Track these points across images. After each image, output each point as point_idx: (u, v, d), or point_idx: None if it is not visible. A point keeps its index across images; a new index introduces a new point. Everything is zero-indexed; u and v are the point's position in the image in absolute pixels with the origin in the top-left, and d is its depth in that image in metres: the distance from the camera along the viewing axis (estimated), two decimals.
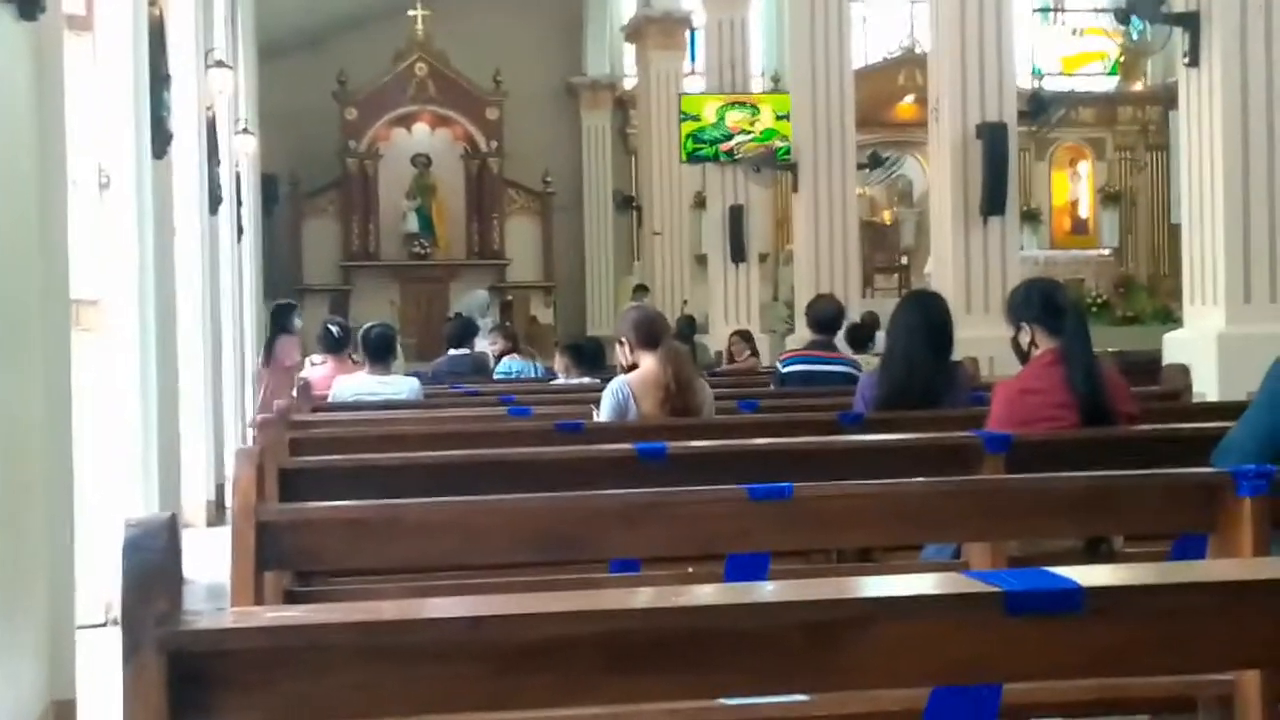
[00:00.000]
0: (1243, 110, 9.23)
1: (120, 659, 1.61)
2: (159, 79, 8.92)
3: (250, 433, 13.06)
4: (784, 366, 9.78)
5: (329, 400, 9.17)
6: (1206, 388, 8.68)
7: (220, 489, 11.68)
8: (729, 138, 18.46)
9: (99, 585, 6.45)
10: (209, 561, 7.74)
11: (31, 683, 5.09)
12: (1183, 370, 8.42)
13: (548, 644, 1.73)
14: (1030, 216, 22.72)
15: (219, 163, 13.33)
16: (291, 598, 3.62)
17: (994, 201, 12.98)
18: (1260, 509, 3.17)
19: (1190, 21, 9.37)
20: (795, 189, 17.28)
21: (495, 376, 11.89)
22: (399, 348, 11.05)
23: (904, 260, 24.24)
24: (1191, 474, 3.53)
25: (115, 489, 7.74)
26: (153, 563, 1.61)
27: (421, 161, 26.43)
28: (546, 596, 1.95)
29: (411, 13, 25.81)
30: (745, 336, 15.69)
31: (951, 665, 1.88)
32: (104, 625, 6.54)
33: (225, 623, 1.76)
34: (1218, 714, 3.00)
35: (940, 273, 13.65)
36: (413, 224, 26.35)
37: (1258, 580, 2.10)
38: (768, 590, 2.10)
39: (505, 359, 12.81)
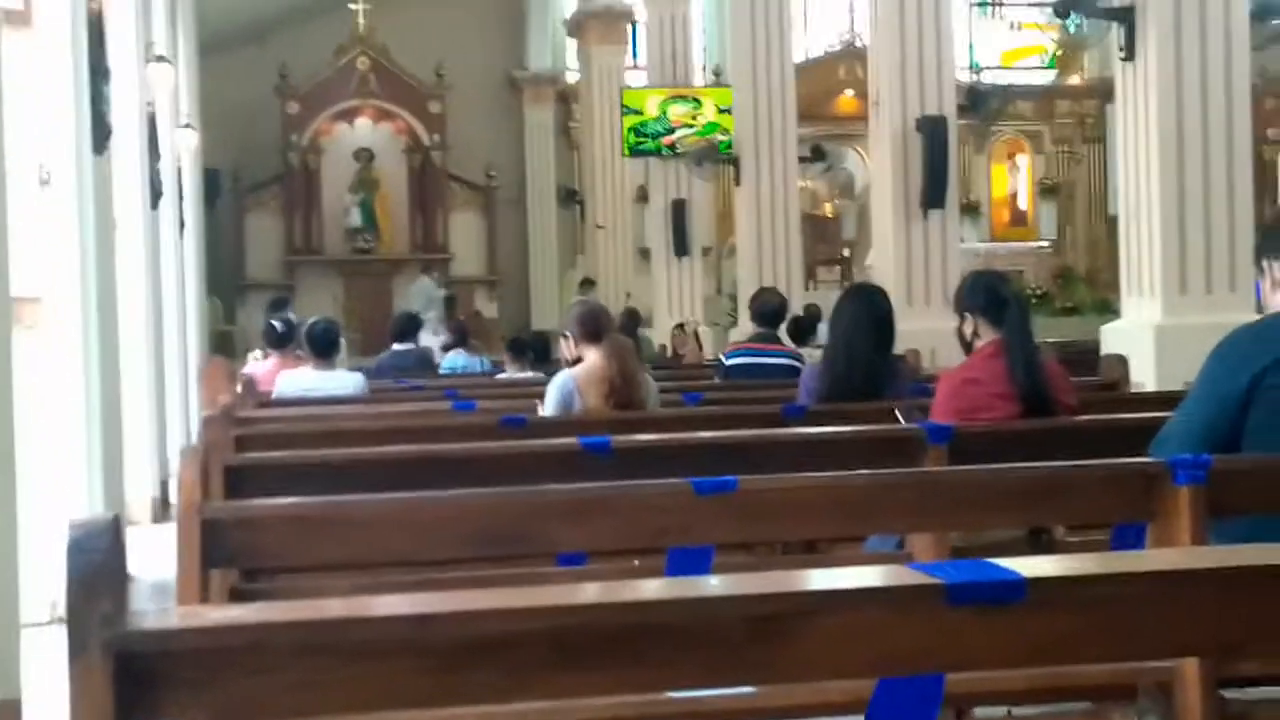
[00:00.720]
0: (1177, 104, 9.30)
1: (66, 658, 1.60)
2: (99, 74, 8.87)
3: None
4: (728, 359, 9.82)
5: (273, 396, 9.14)
6: (1144, 378, 8.77)
7: (165, 485, 11.63)
8: (671, 131, 18.46)
9: (44, 583, 6.41)
10: (154, 558, 7.68)
11: None
12: (1121, 361, 8.49)
13: (493, 640, 1.73)
14: (970, 209, 22.84)
15: (160, 157, 13.28)
16: (238, 595, 3.61)
17: (934, 194, 13.06)
18: (1197, 498, 3.20)
19: (1126, 16, 9.42)
20: (738, 182, 17.35)
21: (441, 371, 11.88)
22: (343, 343, 11.02)
23: (846, 253, 24.31)
24: (1130, 464, 3.56)
25: (59, 486, 7.70)
26: (97, 563, 1.60)
27: (364, 156, 26.37)
28: (492, 593, 1.95)
29: (353, 6, 25.79)
30: (687, 330, 15.77)
31: (895, 656, 1.88)
32: (49, 624, 6.50)
33: (171, 623, 1.75)
34: (1158, 701, 3.03)
35: (881, 265, 13.73)
36: (356, 219, 26.29)
37: (1196, 569, 2.12)
38: (712, 584, 2.11)
39: (451, 354, 12.81)
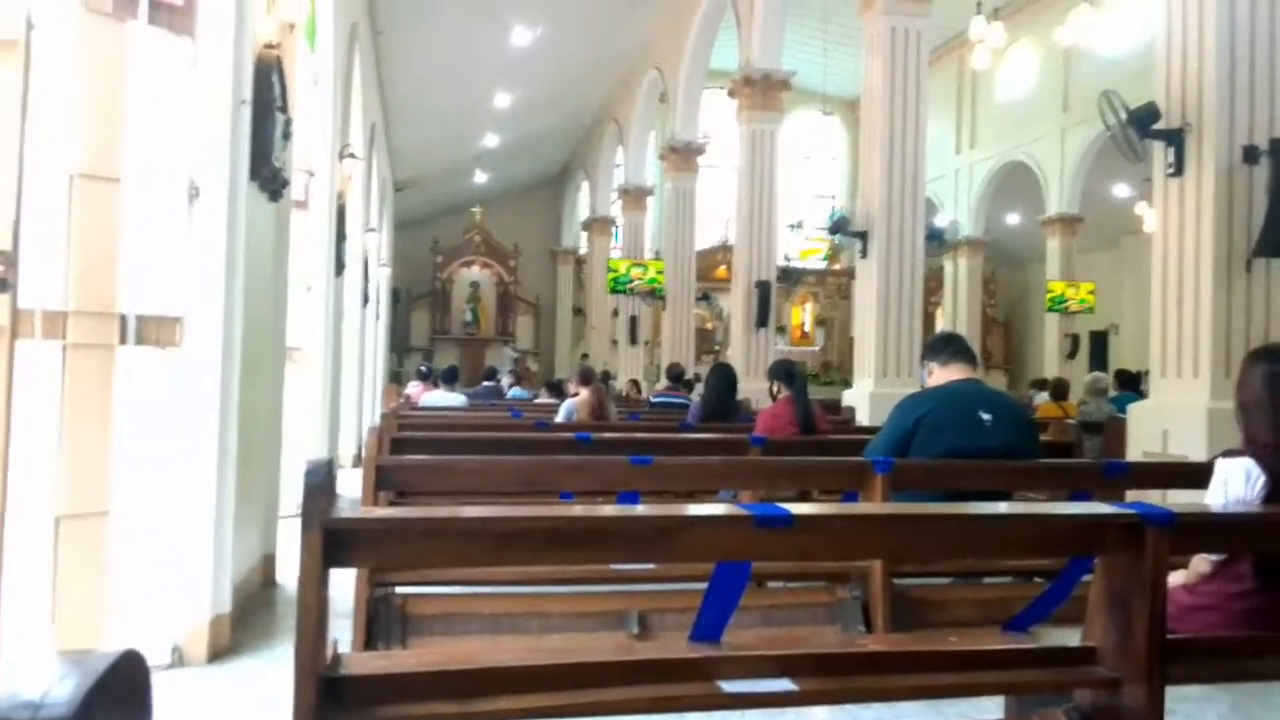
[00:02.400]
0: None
1: (300, 532, 1.59)
2: (340, 236, 8.87)
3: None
4: (654, 398, 9.83)
5: (420, 404, 9.09)
6: (864, 418, 8.79)
7: (360, 448, 11.53)
8: (631, 281, 18.50)
9: (293, 495, 6.33)
10: (352, 486, 7.61)
11: (256, 543, 5.00)
12: (851, 409, 8.54)
13: (522, 532, 1.72)
14: (781, 329, 22.94)
15: (369, 280, 13.25)
16: (392, 505, 3.58)
17: (762, 320, 13.14)
18: (885, 480, 3.22)
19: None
20: (664, 309, 17.40)
21: (508, 397, 11.82)
22: (459, 379, 10.99)
23: (717, 347, 24.31)
24: (853, 460, 3.58)
25: (305, 447, 7.63)
26: (319, 481, 1.59)
27: (474, 285, 26.32)
28: (523, 508, 1.94)
29: (474, 210, 25.89)
30: (635, 383, 15.72)
31: (727, 550, 1.88)
32: (294, 516, 6.43)
33: (357, 514, 1.74)
34: (860, 583, 3.03)
35: (734, 354, 13.77)
36: (468, 316, 26.24)
37: (880, 514, 2.13)
38: (638, 510, 2.11)
39: (514, 388, 12.78)
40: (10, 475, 2.72)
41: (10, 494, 2.72)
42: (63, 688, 0.69)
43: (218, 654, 3.78)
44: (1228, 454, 2.69)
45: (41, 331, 3.30)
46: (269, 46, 4.69)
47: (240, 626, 4.12)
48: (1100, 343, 20.89)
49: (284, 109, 4.90)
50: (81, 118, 3.47)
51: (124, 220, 3.57)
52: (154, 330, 3.67)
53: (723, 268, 23.09)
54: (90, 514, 3.37)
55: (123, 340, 3.52)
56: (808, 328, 25.79)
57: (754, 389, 10.83)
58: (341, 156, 9.09)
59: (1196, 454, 5.75)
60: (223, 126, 3.89)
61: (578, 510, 2.30)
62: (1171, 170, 6.44)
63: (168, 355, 3.72)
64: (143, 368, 3.65)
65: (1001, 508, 2.39)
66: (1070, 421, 9.15)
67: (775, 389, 5.55)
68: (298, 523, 1.62)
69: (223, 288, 3.84)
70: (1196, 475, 3.09)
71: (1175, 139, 6.38)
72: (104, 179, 3.48)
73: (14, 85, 2.70)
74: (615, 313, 22.21)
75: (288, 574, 5.24)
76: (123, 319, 3.52)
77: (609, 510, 2.03)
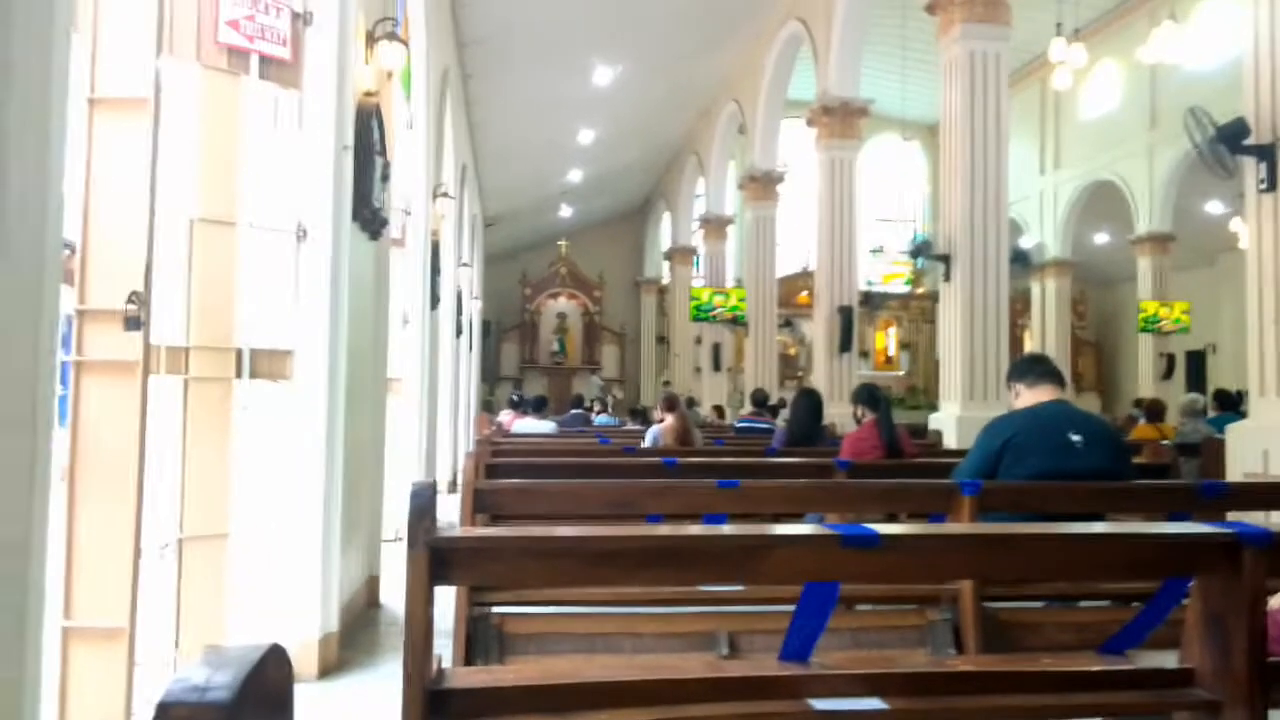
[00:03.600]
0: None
1: (406, 551, 1.64)
2: (434, 271, 9.09)
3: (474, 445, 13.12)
4: (738, 423, 9.79)
5: (511, 431, 9.22)
6: (951, 441, 8.61)
7: (456, 474, 11.74)
8: (714, 308, 18.49)
9: (391, 521, 6.48)
10: (450, 510, 7.75)
11: (360, 566, 5.14)
12: (938, 433, 8.35)
13: (612, 552, 1.74)
14: (864, 354, 22.62)
15: (462, 313, 13.55)
16: (489, 525, 3.64)
17: (845, 344, 12.99)
18: (973, 502, 3.16)
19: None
20: (747, 335, 17.34)
21: (595, 423, 11.91)
22: (548, 407, 11.14)
23: (800, 373, 24.09)
24: (940, 483, 3.51)
25: (404, 472, 7.82)
26: (423, 504, 1.65)
27: (561, 316, 26.69)
28: (613, 528, 1.97)
29: (560, 243, 26.27)
30: (719, 409, 15.64)
31: (814, 572, 1.87)
32: (394, 540, 6.58)
33: (457, 534, 1.79)
34: (950, 606, 2.97)
35: (818, 379, 13.62)
36: (556, 346, 26.59)
37: (969, 535, 2.09)
38: (725, 531, 2.12)
39: (601, 415, 12.89)
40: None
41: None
42: (223, 675, 0.76)
43: (327, 671, 3.90)
44: None
45: (165, 366, 3.48)
46: (368, 94, 4.89)
47: (347, 645, 4.23)
48: (1197, 363, 20.02)
49: (383, 153, 5.09)
50: (201, 166, 3.68)
51: (239, 261, 3.75)
52: (266, 363, 3.83)
53: (804, 293, 22.94)
54: (212, 536, 3.53)
55: (238, 373, 3.69)
56: (892, 352, 25.35)
57: (838, 413, 10.71)
58: (435, 196, 9.36)
59: None
60: (327, 171, 4.06)
61: (665, 530, 2.32)
62: (1264, 186, 6.20)
63: (279, 387, 3.89)
64: (257, 399, 3.82)
65: (1094, 527, 2.33)
66: (1166, 443, 8.78)
67: (860, 413, 5.49)
68: (398, 546, 1.68)
69: (328, 322, 4.00)
70: None
71: (1267, 154, 6.16)
72: (221, 223, 3.67)
73: (145, 139, 2.88)
74: (698, 340, 22.22)
75: (390, 595, 5.37)
76: (239, 353, 3.69)
77: (696, 529, 2.04)
